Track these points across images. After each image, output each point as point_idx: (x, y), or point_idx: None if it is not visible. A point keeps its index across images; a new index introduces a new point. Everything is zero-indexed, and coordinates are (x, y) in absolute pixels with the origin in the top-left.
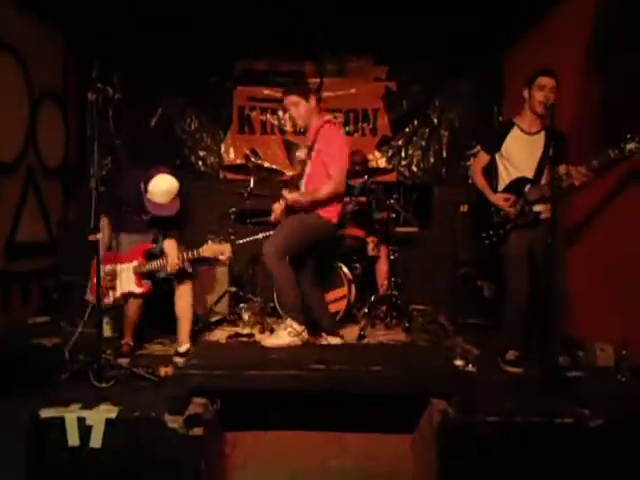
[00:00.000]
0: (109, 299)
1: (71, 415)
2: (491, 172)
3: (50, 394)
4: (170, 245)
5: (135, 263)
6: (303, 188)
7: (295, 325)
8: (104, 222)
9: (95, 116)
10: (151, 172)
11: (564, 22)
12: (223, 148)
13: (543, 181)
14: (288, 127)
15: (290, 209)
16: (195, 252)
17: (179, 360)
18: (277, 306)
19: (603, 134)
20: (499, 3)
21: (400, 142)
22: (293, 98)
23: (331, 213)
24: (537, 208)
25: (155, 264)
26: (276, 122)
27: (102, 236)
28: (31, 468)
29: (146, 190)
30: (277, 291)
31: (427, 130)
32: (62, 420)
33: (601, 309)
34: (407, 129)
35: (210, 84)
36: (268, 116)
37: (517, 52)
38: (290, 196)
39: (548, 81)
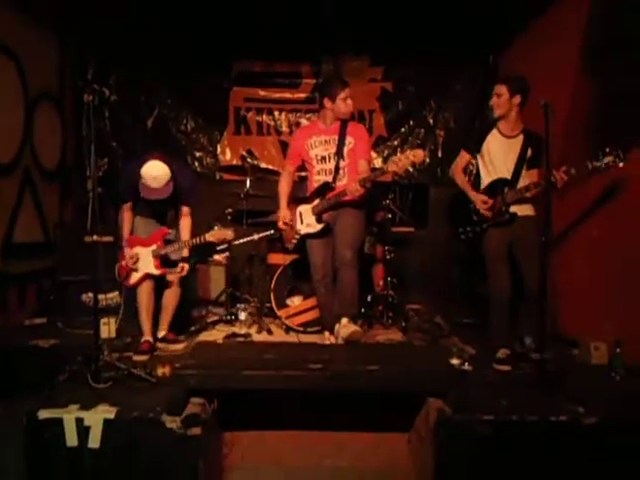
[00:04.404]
0: (132, 280)
1: (69, 416)
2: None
3: (48, 395)
4: (185, 223)
5: (154, 247)
6: (346, 179)
7: (353, 324)
8: (127, 207)
9: (91, 117)
10: (145, 157)
11: (559, 22)
12: (219, 149)
13: (521, 183)
14: (284, 128)
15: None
16: (202, 237)
17: (161, 345)
18: (273, 307)
19: (595, 134)
20: (494, 3)
21: (396, 142)
22: (350, 91)
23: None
24: (513, 209)
25: (171, 248)
26: (272, 123)
27: (125, 221)
28: (29, 469)
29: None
30: (352, 292)
31: (422, 130)
32: (60, 421)
33: (595, 307)
34: (403, 129)
35: (206, 85)
36: (264, 117)
37: (512, 52)
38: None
39: (498, 88)
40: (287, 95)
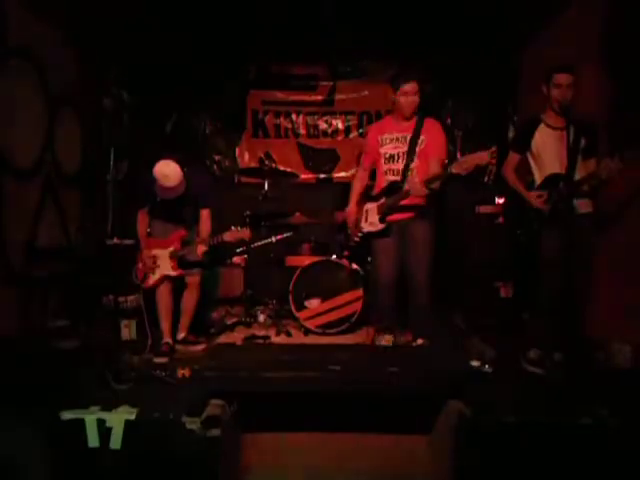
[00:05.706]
0: (150, 282)
1: (91, 417)
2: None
3: (70, 396)
4: (205, 220)
5: (171, 248)
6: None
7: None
8: (143, 211)
9: (111, 121)
10: (158, 160)
11: (578, 20)
12: (238, 152)
13: (577, 176)
14: (302, 130)
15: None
16: (219, 237)
17: (180, 347)
18: (292, 309)
19: (617, 131)
20: (513, 2)
21: None
22: (417, 86)
23: None
24: (575, 203)
25: (188, 249)
26: (290, 125)
27: (142, 224)
28: (52, 469)
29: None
30: (426, 316)
31: None
32: (82, 422)
33: (620, 309)
34: None
35: (224, 88)
36: (282, 119)
37: (532, 51)
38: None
39: (565, 78)
40: (304, 97)
